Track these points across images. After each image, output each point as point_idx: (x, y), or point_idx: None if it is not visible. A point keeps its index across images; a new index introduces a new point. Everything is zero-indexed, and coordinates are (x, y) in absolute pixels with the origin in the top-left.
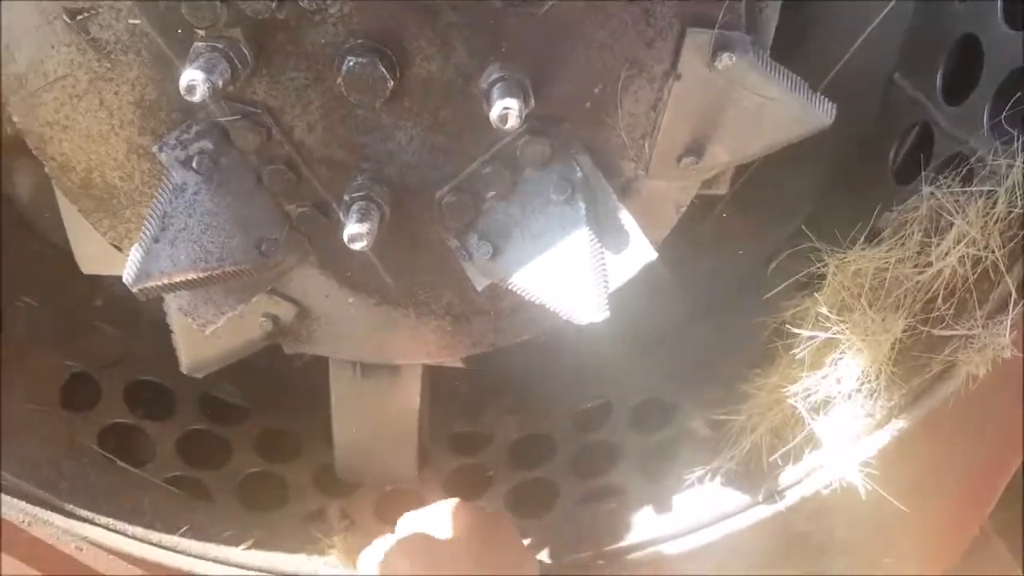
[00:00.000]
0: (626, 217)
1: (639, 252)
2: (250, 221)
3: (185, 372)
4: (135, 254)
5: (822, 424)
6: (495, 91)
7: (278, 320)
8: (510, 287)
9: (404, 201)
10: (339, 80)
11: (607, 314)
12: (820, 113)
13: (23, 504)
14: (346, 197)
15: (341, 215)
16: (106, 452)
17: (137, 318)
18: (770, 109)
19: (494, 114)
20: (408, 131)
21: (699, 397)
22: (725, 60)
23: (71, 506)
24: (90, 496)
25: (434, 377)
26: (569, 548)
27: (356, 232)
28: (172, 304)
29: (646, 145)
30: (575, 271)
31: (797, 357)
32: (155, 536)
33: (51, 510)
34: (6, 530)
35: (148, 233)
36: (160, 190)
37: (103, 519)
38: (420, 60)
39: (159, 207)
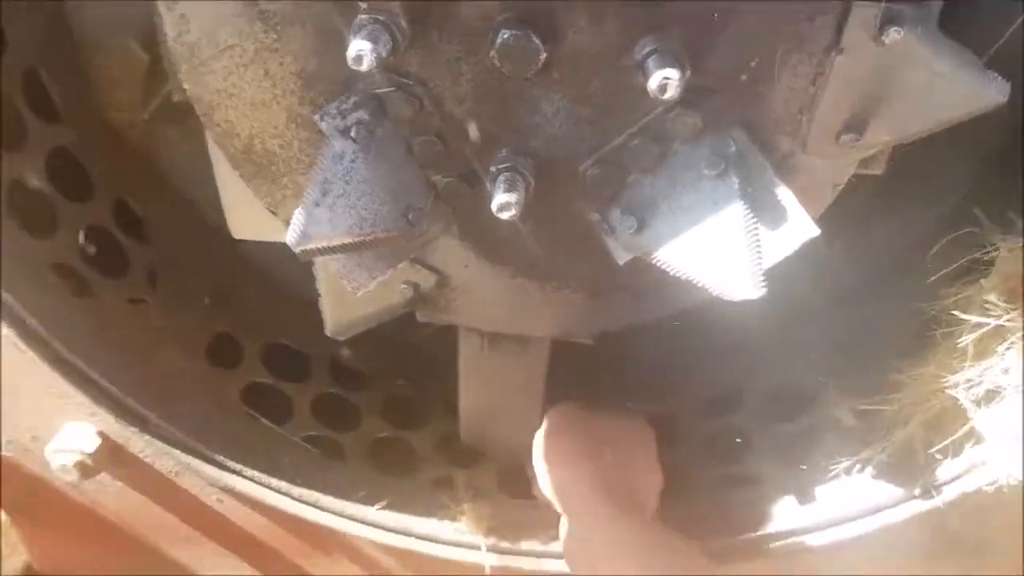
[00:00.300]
0: (784, 192)
1: (799, 227)
2: (400, 190)
3: (329, 334)
4: (298, 217)
5: (985, 417)
6: (651, 62)
7: (418, 287)
8: (654, 261)
9: (547, 174)
10: (492, 52)
11: (763, 290)
12: (992, 91)
13: (177, 452)
14: (492, 168)
15: (487, 185)
16: (250, 410)
17: (275, 285)
18: (939, 85)
19: (653, 84)
20: (555, 103)
21: (844, 385)
22: (893, 35)
23: (222, 458)
24: (237, 450)
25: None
26: (705, 534)
27: (505, 201)
28: (324, 269)
29: (804, 120)
30: (728, 245)
31: (959, 345)
32: (296, 491)
33: (205, 461)
34: (153, 479)
35: (310, 198)
36: (321, 157)
37: (249, 471)
38: (572, 33)
39: (319, 174)
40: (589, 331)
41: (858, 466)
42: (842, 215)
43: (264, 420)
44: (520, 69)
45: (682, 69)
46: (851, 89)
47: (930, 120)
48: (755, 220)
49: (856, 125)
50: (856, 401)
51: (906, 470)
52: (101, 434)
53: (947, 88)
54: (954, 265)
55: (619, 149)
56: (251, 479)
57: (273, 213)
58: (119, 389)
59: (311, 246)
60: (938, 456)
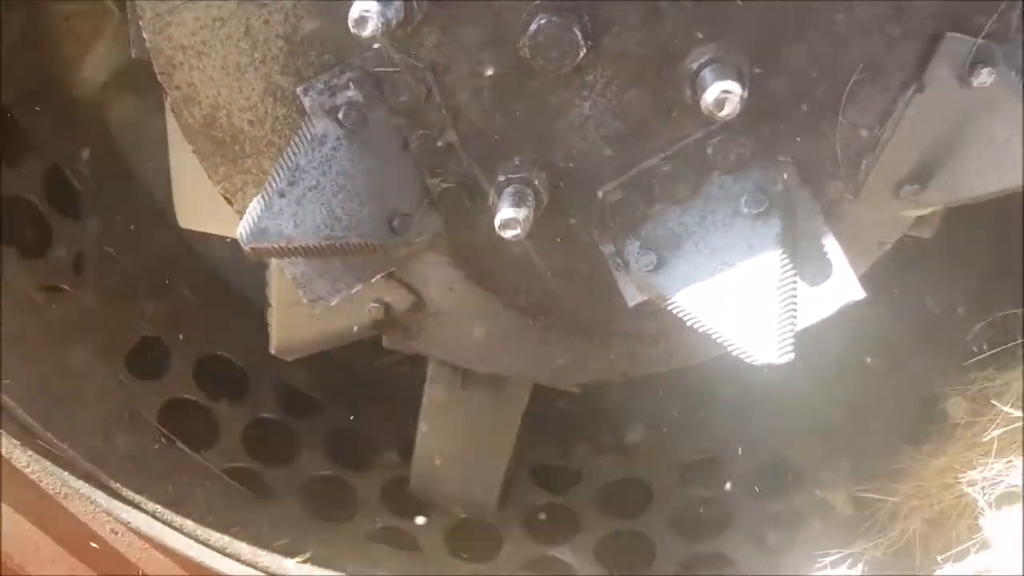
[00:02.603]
0: (831, 244)
1: (842, 288)
2: (387, 190)
3: (274, 352)
4: (255, 207)
5: (996, 522)
6: (707, 73)
7: (389, 308)
8: (670, 307)
9: (561, 192)
10: (523, 40)
11: (791, 356)
12: None
13: (65, 475)
14: (501, 178)
15: (492, 197)
16: (166, 430)
17: (221, 287)
18: (1019, 143)
19: (709, 97)
20: (584, 111)
21: (838, 467)
22: (984, 76)
23: (118, 485)
24: (141, 477)
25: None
26: None
27: (510, 217)
28: (279, 274)
29: (863, 164)
30: (759, 300)
31: (984, 439)
32: (203, 533)
33: (96, 486)
34: (38, 500)
35: (274, 185)
36: (296, 138)
37: (151, 505)
38: (619, 29)
39: (291, 158)
40: (578, 379)
41: (849, 560)
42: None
43: (180, 444)
44: (553, 65)
45: (743, 85)
46: (923, 134)
47: (1002, 182)
48: (794, 273)
49: (921, 176)
50: (855, 486)
51: (901, 570)
52: None
53: None
54: (991, 349)
55: (649, 173)
56: (150, 513)
57: (228, 201)
58: (7, 392)
59: (266, 244)
60: (938, 560)
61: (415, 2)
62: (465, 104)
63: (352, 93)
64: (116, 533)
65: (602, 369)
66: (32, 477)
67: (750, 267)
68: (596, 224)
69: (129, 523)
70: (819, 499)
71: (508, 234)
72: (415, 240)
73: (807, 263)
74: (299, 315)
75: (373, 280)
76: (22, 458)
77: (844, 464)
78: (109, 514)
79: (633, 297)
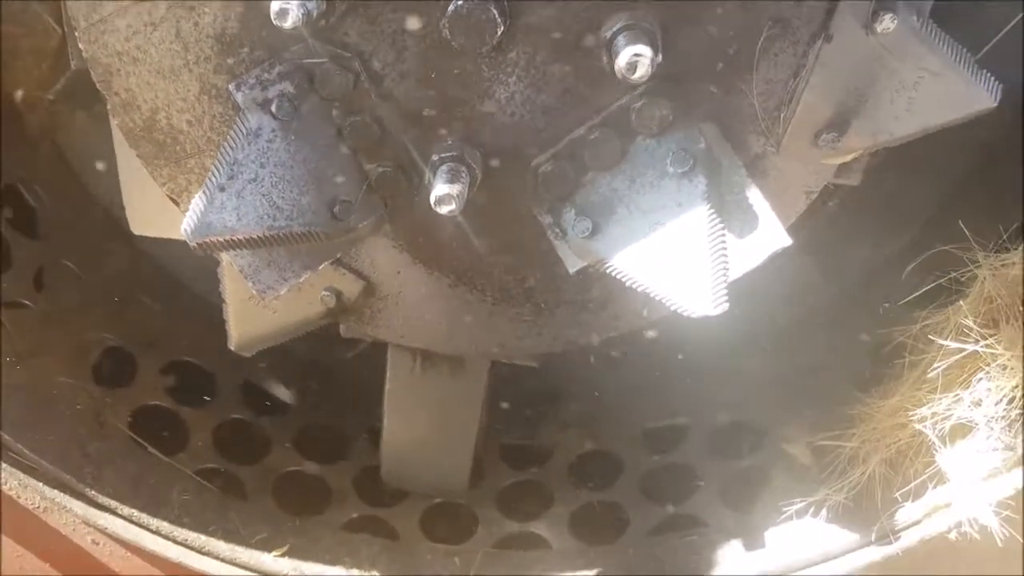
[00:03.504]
0: (755, 196)
1: (770, 237)
2: (325, 178)
3: (233, 348)
4: (197, 203)
5: (951, 455)
6: (620, 39)
7: (341, 296)
8: (608, 271)
9: (495, 167)
10: (443, 22)
11: (725, 307)
12: (984, 93)
13: (42, 487)
14: (434, 157)
15: (428, 176)
16: (137, 437)
17: (181, 293)
18: (929, 84)
19: (621, 61)
20: (509, 88)
21: (797, 418)
22: (886, 22)
23: (94, 492)
24: (116, 484)
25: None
26: None
27: (445, 193)
28: (230, 270)
29: (781, 117)
30: (691, 254)
31: (928, 375)
32: (180, 534)
33: (72, 495)
34: (18, 517)
35: (214, 181)
36: (232, 134)
37: (126, 510)
38: (535, 6)
39: (229, 152)
40: (533, 351)
41: (812, 509)
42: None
43: (151, 448)
44: (473, 43)
45: (655, 49)
46: (835, 83)
47: (918, 122)
48: (722, 226)
49: (838, 124)
50: (812, 436)
51: (864, 513)
52: None
53: (938, 88)
54: (930, 283)
55: (577, 143)
56: (127, 518)
57: (175, 202)
58: None
59: (211, 238)
60: (898, 498)
61: None
62: (393, 88)
63: (283, 86)
64: (97, 544)
65: (553, 339)
66: (9, 492)
67: (680, 224)
68: (531, 196)
69: (106, 528)
70: (780, 452)
71: (444, 210)
72: (358, 225)
73: (734, 216)
74: (254, 310)
75: (320, 268)
76: None
77: (800, 417)
78: (88, 523)
79: (574, 264)
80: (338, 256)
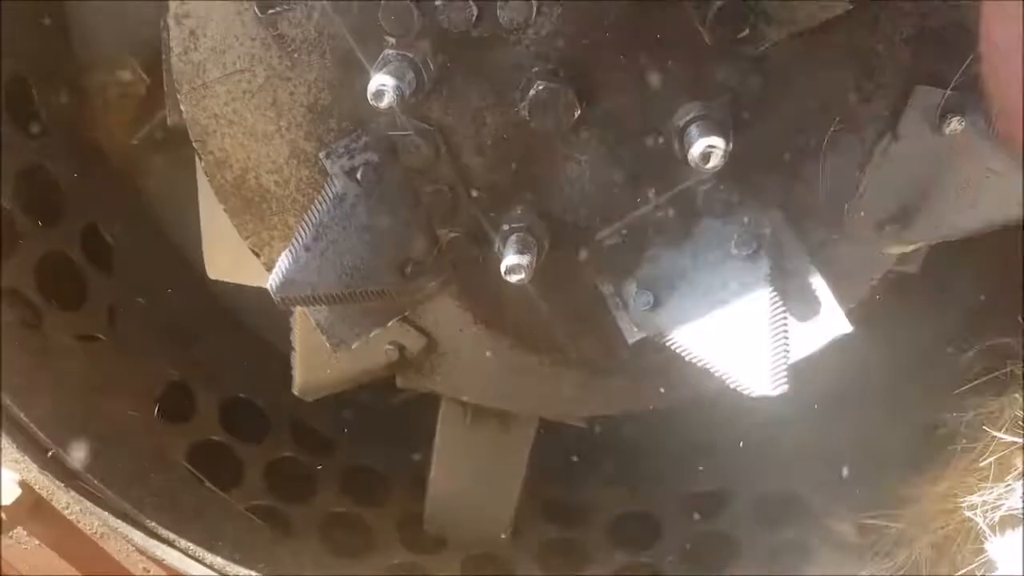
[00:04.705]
0: (818, 281)
1: (831, 322)
2: (400, 240)
3: (297, 393)
4: (284, 261)
5: (1001, 545)
6: (693, 129)
7: (404, 350)
8: (668, 343)
9: (562, 238)
10: (522, 104)
11: (785, 388)
12: None
13: (105, 515)
14: (504, 227)
15: (498, 245)
16: (195, 470)
17: (239, 332)
18: (994, 183)
19: (696, 152)
20: (580, 165)
21: (845, 495)
22: (954, 124)
23: (154, 524)
24: (174, 516)
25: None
26: None
27: (515, 263)
28: (303, 320)
29: (846, 207)
30: (753, 335)
31: (981, 464)
32: (232, 569)
33: (133, 525)
34: (75, 540)
35: (300, 241)
36: (319, 198)
37: (183, 543)
38: (610, 91)
39: (315, 215)
40: (582, 413)
41: None
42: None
43: (209, 484)
44: (550, 125)
45: (727, 140)
46: (901, 178)
47: (979, 219)
48: (784, 309)
49: (902, 217)
50: (859, 514)
51: None
52: (23, 484)
53: (1001, 187)
54: (982, 376)
55: (642, 219)
56: (183, 551)
57: (256, 255)
58: (50, 436)
59: (293, 293)
60: None
61: (425, 73)
62: (471, 161)
63: (369, 155)
64: (148, 572)
65: (604, 403)
66: (71, 518)
67: (743, 304)
68: (595, 267)
69: (163, 560)
70: (825, 527)
71: (513, 279)
72: (426, 286)
73: (796, 300)
74: (320, 358)
75: (389, 324)
76: (63, 499)
77: (848, 493)
78: (143, 553)
79: (633, 335)
80: (405, 315)
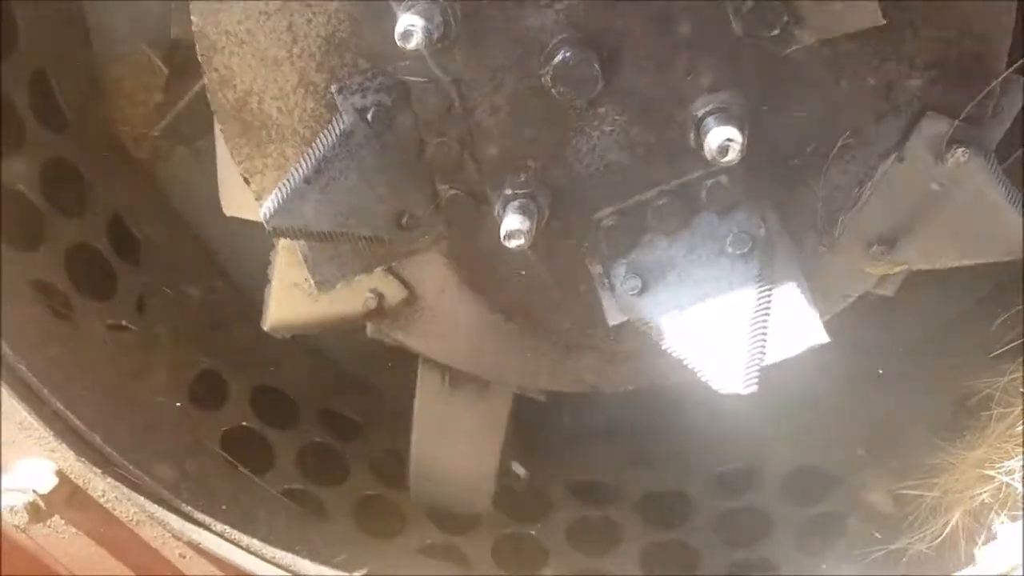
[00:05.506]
0: (803, 290)
1: (808, 331)
2: (400, 190)
3: (266, 329)
4: (281, 190)
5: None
6: (711, 119)
7: (383, 299)
8: (647, 329)
9: (558, 212)
10: (545, 70)
11: (754, 389)
12: None
13: (141, 499)
14: (508, 191)
15: (498, 209)
16: (228, 456)
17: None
18: (981, 219)
19: (713, 143)
20: (592, 140)
21: (878, 466)
22: (959, 156)
23: (190, 508)
24: (209, 500)
25: (539, 415)
26: None
27: (516, 228)
28: (285, 254)
29: (840, 220)
30: (732, 333)
31: (1016, 429)
32: (268, 551)
33: (170, 510)
34: (111, 528)
35: (300, 172)
36: (326, 132)
37: (219, 526)
38: (634, 69)
39: (320, 149)
40: (550, 387)
41: (892, 557)
42: None
43: (242, 468)
44: (571, 95)
45: (744, 134)
46: (897, 200)
47: (960, 252)
48: (767, 313)
49: (889, 239)
50: (893, 484)
51: (947, 562)
52: (59, 473)
53: (988, 224)
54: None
55: (643, 204)
56: (219, 534)
57: (246, 181)
58: (86, 424)
59: (287, 224)
60: (983, 549)
61: (452, 20)
62: (483, 119)
63: (382, 96)
64: (184, 557)
65: (570, 380)
66: (107, 505)
67: (728, 302)
68: (589, 244)
69: (200, 544)
70: (859, 499)
71: (512, 244)
72: (420, 239)
73: (779, 305)
74: (298, 297)
75: (375, 271)
76: (100, 486)
77: (881, 463)
78: (179, 538)
79: (614, 317)
80: (392, 263)
